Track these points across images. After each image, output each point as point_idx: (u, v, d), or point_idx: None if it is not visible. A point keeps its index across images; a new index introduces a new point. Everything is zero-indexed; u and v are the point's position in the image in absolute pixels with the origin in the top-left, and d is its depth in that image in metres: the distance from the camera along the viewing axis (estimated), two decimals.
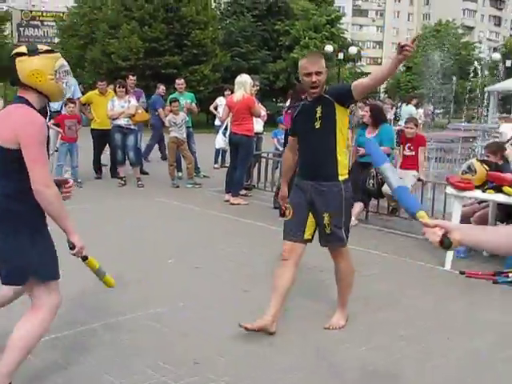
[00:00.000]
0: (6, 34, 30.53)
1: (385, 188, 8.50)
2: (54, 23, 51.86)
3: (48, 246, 3.40)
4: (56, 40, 48.41)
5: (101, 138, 11.60)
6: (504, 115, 18.74)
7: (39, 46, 3.39)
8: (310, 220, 4.38)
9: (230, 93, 12.15)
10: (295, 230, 4.39)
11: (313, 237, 4.48)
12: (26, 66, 3.24)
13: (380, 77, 4.08)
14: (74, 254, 3.48)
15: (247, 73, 11.44)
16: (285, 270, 4.39)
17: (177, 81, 12.65)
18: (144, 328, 4.50)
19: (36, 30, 60.11)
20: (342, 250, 4.47)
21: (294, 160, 4.67)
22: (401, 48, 3.70)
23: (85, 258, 3.71)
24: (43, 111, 4.16)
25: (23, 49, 3.32)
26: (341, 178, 4.29)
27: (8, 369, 3.25)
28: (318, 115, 4.22)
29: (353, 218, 8.40)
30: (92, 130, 11.85)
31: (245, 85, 9.63)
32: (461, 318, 5.01)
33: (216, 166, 14.12)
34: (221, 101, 13.94)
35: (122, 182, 11.09)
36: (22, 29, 60.82)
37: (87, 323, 4.52)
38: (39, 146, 3.18)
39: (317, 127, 4.23)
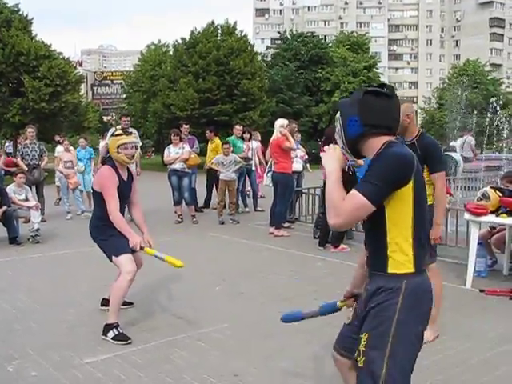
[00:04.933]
0: (81, 93, 31.89)
1: None
2: (121, 81, 53.71)
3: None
4: (123, 95, 50.10)
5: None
6: None
7: (117, 132, 5.14)
8: None
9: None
10: None
11: None
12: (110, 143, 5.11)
13: None
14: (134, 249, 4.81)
15: (292, 116, 11.51)
16: None
17: (237, 127, 13.16)
18: (194, 346, 4.66)
19: (107, 88, 62.43)
20: None
21: None
22: None
23: (141, 248, 4.85)
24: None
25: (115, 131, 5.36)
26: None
27: None
28: None
29: None
30: None
31: (276, 128, 9.79)
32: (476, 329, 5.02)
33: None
34: None
35: (179, 220, 11.40)
36: (95, 88, 63.29)
37: (146, 342, 4.73)
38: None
39: None
